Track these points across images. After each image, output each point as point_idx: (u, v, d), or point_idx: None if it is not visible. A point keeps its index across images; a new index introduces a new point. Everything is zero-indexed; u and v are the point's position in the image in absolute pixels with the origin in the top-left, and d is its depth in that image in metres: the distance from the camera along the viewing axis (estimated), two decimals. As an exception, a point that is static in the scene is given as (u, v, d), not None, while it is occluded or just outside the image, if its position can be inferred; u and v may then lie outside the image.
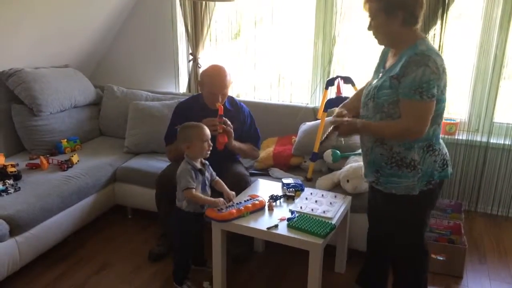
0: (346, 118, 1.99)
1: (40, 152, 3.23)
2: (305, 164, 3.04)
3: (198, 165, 2.31)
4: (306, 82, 3.67)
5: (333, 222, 2.20)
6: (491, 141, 3.24)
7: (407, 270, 2.13)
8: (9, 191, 2.63)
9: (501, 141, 3.24)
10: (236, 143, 2.65)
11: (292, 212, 2.30)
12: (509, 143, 3.21)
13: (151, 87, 3.99)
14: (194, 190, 2.24)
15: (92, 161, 3.15)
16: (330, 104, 2.82)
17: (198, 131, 2.29)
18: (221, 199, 2.30)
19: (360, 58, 3.47)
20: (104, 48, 4.14)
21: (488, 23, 3.09)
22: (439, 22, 3.02)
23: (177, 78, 3.99)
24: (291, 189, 2.52)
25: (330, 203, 2.41)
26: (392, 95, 1.83)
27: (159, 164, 3.09)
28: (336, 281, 2.57)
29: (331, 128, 2.02)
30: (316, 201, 2.43)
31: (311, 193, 2.54)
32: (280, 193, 2.51)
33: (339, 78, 3.02)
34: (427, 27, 3.00)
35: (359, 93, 2.12)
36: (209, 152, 2.33)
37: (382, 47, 2.04)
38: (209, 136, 2.33)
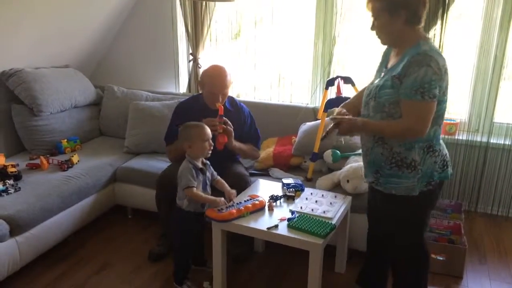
0: (347, 116, 1.99)
1: (40, 152, 3.23)
2: (305, 164, 3.05)
3: (199, 164, 2.31)
4: (306, 82, 3.67)
5: (333, 222, 2.20)
6: (491, 141, 3.24)
7: (407, 271, 2.13)
8: (9, 191, 2.63)
9: (501, 141, 3.24)
10: (236, 143, 2.65)
11: (292, 212, 2.30)
12: (509, 143, 3.21)
13: (151, 87, 3.99)
14: (195, 188, 2.24)
15: (92, 161, 3.15)
16: (330, 104, 2.82)
17: (199, 131, 2.30)
18: (222, 198, 2.31)
19: (360, 58, 3.47)
20: (104, 48, 4.14)
21: (488, 23, 3.09)
22: (439, 22, 3.02)
23: (177, 78, 3.99)
24: (291, 189, 2.52)
25: (330, 203, 2.41)
26: (394, 94, 1.82)
27: (159, 164, 3.09)
28: (336, 281, 2.58)
29: (332, 125, 2.02)
30: (316, 201, 2.43)
31: (311, 193, 2.54)
32: (280, 193, 2.51)
33: (339, 78, 3.02)
34: (427, 27, 3.00)
35: (360, 94, 2.12)
36: (210, 152, 2.34)
37: (382, 47, 2.04)
38: (210, 135, 2.33)
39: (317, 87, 3.58)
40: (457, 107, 3.39)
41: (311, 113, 3.35)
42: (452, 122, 3.31)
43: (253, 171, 3.01)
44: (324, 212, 2.30)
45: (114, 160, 3.23)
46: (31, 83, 3.21)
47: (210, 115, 2.54)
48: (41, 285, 2.52)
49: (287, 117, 3.38)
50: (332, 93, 3.17)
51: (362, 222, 2.41)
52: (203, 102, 2.74)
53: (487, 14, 3.08)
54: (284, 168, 3.05)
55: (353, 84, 3.06)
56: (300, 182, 2.61)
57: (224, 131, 2.52)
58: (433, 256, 2.55)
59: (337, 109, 3.01)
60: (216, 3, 3.54)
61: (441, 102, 1.83)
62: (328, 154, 2.64)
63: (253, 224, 2.21)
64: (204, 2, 3.59)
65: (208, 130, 2.33)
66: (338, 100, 2.82)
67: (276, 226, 2.17)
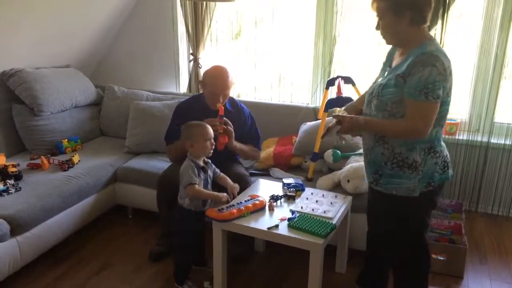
0: (349, 115, 1.98)
1: (41, 152, 3.23)
2: (305, 164, 3.05)
3: (201, 163, 2.32)
4: (307, 82, 3.67)
5: (334, 222, 2.20)
6: (492, 141, 3.24)
7: (408, 271, 2.13)
8: (10, 191, 2.63)
9: (502, 141, 3.23)
10: (236, 144, 2.65)
11: (292, 212, 2.30)
12: (510, 143, 3.21)
13: (151, 87, 3.99)
14: (196, 185, 2.25)
15: (93, 161, 3.15)
16: (330, 104, 2.82)
17: (201, 130, 2.31)
18: (225, 194, 2.31)
19: (360, 58, 3.47)
20: (105, 48, 4.14)
21: (489, 23, 3.09)
22: (439, 22, 3.01)
23: (177, 78, 3.99)
24: (291, 189, 2.52)
25: (331, 203, 2.41)
26: (397, 93, 1.82)
27: (160, 164, 3.09)
28: (337, 281, 2.57)
29: (334, 122, 2.01)
30: (316, 201, 2.43)
31: (311, 193, 2.54)
32: (280, 193, 2.51)
33: (340, 78, 3.02)
34: (428, 27, 3.00)
35: (362, 97, 2.12)
36: (211, 151, 2.34)
37: (383, 47, 2.03)
38: (212, 135, 2.34)
39: (318, 87, 3.58)
40: (458, 107, 3.38)
41: (312, 113, 3.35)
42: (452, 122, 3.31)
43: (253, 171, 3.01)
44: (324, 212, 2.30)
45: (114, 160, 3.23)
46: (32, 83, 3.22)
47: (210, 115, 2.54)
48: (42, 285, 2.53)
49: (288, 117, 3.38)
50: (332, 93, 3.17)
51: (362, 222, 2.41)
52: (203, 102, 2.74)
53: (487, 13, 3.08)
54: (285, 168, 3.05)
55: (353, 84, 3.06)
56: (300, 182, 2.61)
57: (224, 131, 2.52)
58: (433, 256, 2.55)
59: (338, 109, 3.01)
60: (217, 3, 3.54)
61: (444, 103, 1.82)
62: (328, 154, 2.64)
63: (253, 224, 2.21)
64: (204, 2, 3.59)
65: (210, 130, 2.34)
66: (339, 100, 2.82)
67: (276, 226, 2.17)
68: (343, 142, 2.11)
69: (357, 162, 2.70)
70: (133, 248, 2.91)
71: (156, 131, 3.27)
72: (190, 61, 3.88)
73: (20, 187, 2.70)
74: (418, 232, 2.03)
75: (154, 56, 4.01)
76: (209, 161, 2.39)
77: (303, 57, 3.63)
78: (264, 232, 2.17)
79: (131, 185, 3.14)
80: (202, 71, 3.79)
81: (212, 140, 2.34)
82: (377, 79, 2.02)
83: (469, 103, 3.31)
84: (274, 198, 2.41)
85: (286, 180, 2.62)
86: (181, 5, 3.72)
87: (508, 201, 3.33)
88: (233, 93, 2.80)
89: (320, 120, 2.94)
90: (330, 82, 3.10)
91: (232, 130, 2.57)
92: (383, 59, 2.08)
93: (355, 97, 2.90)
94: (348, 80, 3.04)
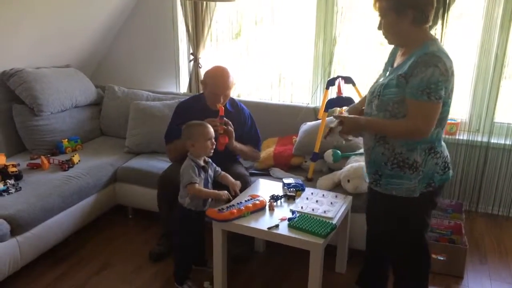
0: (351, 115, 1.98)
1: (41, 152, 3.23)
2: (305, 164, 3.04)
3: (201, 162, 2.32)
4: (307, 82, 3.67)
5: (334, 222, 2.20)
6: (492, 141, 3.24)
7: (408, 271, 2.13)
8: (10, 191, 2.63)
9: (502, 141, 3.23)
10: (237, 144, 2.65)
11: (292, 212, 2.30)
12: (510, 143, 3.21)
13: (152, 87, 3.99)
14: (197, 185, 2.25)
15: (93, 161, 3.15)
16: (330, 104, 2.82)
17: (202, 129, 2.31)
18: (225, 191, 2.31)
19: (361, 58, 3.47)
20: (105, 48, 4.14)
21: (489, 23, 3.09)
22: (440, 22, 3.01)
23: (178, 78, 3.99)
24: (291, 189, 2.52)
25: (331, 203, 2.41)
26: (398, 93, 1.82)
27: (160, 164, 3.09)
28: (337, 281, 2.57)
29: (336, 122, 2.00)
30: (316, 201, 2.43)
31: (311, 193, 2.54)
32: (280, 193, 2.51)
33: (340, 78, 3.02)
34: (429, 27, 3.00)
35: (364, 99, 2.12)
36: (212, 151, 2.34)
37: (383, 47, 2.03)
38: (213, 134, 2.35)
39: (318, 87, 3.58)
40: (458, 107, 3.38)
41: (312, 113, 3.35)
42: (452, 122, 3.30)
43: (253, 171, 3.01)
44: (324, 212, 2.30)
45: (114, 160, 3.23)
46: (32, 83, 3.22)
47: (210, 115, 2.54)
48: (42, 285, 2.53)
49: (288, 117, 3.38)
50: (332, 93, 3.17)
51: (362, 222, 2.40)
52: (204, 102, 2.74)
53: (487, 13, 3.08)
54: (285, 168, 3.05)
55: (353, 84, 3.06)
56: (300, 182, 2.61)
57: (225, 131, 2.52)
58: (433, 256, 2.55)
59: (338, 109, 3.01)
60: (217, 3, 3.54)
61: (445, 104, 1.82)
62: (328, 154, 2.64)
63: (253, 224, 2.21)
64: (204, 2, 3.59)
65: (211, 129, 2.35)
66: (339, 100, 2.82)
67: (276, 226, 2.17)
68: (350, 141, 2.11)
69: (357, 162, 2.70)
70: (133, 248, 2.91)
71: (156, 131, 3.27)
72: (190, 61, 3.88)
73: (20, 187, 2.70)
74: (418, 232, 2.03)
75: (154, 56, 4.01)
76: (210, 160, 2.39)
77: (303, 57, 3.63)
78: (264, 232, 2.17)
79: (131, 185, 3.14)
80: (202, 71, 3.79)
81: (213, 140, 2.34)
82: (378, 79, 2.02)
83: (469, 103, 3.31)
84: (274, 198, 2.41)
85: (286, 180, 2.62)
86: (181, 5, 3.72)
87: (508, 201, 3.33)
88: (233, 93, 2.80)
89: (320, 120, 2.94)
90: (330, 82, 3.10)
91: (233, 130, 2.57)
92: (384, 59, 2.08)
93: (355, 97, 2.91)
94: (348, 80, 3.04)
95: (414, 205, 1.92)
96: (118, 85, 3.78)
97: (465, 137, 3.28)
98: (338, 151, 2.64)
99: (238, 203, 2.31)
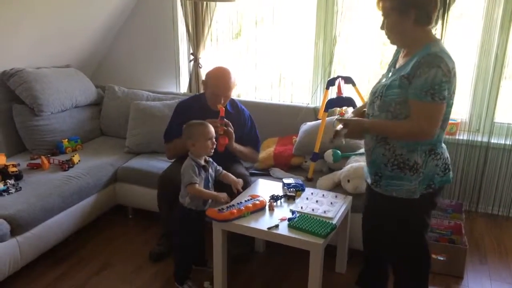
0: (354, 118, 1.98)
1: (41, 152, 3.23)
2: (305, 164, 3.04)
3: (202, 162, 2.32)
4: (307, 82, 3.67)
5: (334, 222, 2.20)
6: (492, 141, 3.24)
7: (408, 271, 2.13)
8: (10, 191, 2.63)
9: (502, 141, 3.23)
10: (236, 145, 2.66)
11: (292, 212, 2.30)
12: (510, 143, 3.21)
13: (152, 87, 3.99)
14: (197, 185, 2.25)
15: (93, 161, 3.15)
16: (331, 104, 2.82)
17: (202, 129, 2.31)
18: (224, 193, 2.31)
19: (361, 58, 3.47)
20: (105, 48, 4.14)
21: (489, 23, 3.09)
22: (440, 22, 3.01)
23: (178, 78, 3.99)
24: (291, 189, 2.52)
25: (331, 203, 2.41)
26: (401, 94, 1.81)
27: (160, 164, 3.09)
28: (337, 281, 2.57)
29: (341, 125, 2.00)
30: (316, 201, 2.43)
31: (311, 193, 2.54)
32: (280, 193, 2.51)
33: (340, 78, 3.02)
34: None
35: (365, 105, 2.12)
36: (212, 150, 2.34)
37: (382, 47, 2.03)
38: (214, 134, 2.35)
39: (318, 87, 3.58)
40: (458, 107, 3.38)
41: (312, 113, 3.35)
42: (452, 122, 3.30)
43: (253, 171, 3.01)
44: (324, 212, 2.30)
45: (115, 160, 3.23)
46: (32, 83, 3.22)
47: (210, 115, 2.54)
48: (42, 285, 2.53)
49: (288, 117, 3.38)
50: (333, 93, 3.17)
51: (362, 222, 2.41)
52: (204, 102, 2.74)
53: (487, 13, 3.08)
54: (285, 168, 3.05)
55: (353, 84, 3.06)
56: (300, 182, 2.61)
57: (225, 132, 2.52)
58: (433, 256, 2.54)
59: (338, 109, 3.01)
60: (217, 3, 3.54)
61: (447, 105, 1.81)
62: (328, 154, 2.64)
63: (253, 224, 2.21)
64: (205, 2, 3.59)
65: (212, 129, 2.35)
66: (339, 100, 2.82)
67: (276, 226, 2.17)
68: (343, 141, 2.10)
69: (357, 162, 2.70)
70: (133, 248, 2.91)
71: (156, 131, 3.26)
72: (190, 61, 3.88)
73: (21, 187, 2.70)
74: (418, 232, 2.02)
75: (154, 56, 4.01)
76: (211, 159, 2.39)
77: (304, 57, 3.63)
78: (264, 232, 2.17)
79: (131, 185, 3.14)
80: (202, 71, 3.80)
81: (214, 140, 2.34)
82: (381, 79, 2.02)
83: (470, 103, 3.31)
84: (274, 198, 2.41)
85: (286, 180, 2.62)
86: (182, 5, 3.72)
87: (508, 201, 3.33)
88: (234, 93, 2.81)
89: (320, 120, 2.94)
90: (331, 82, 3.10)
91: (233, 131, 2.57)
92: (385, 59, 2.08)
93: (355, 97, 2.91)
94: (348, 80, 3.04)
95: (414, 206, 1.92)
96: (118, 85, 3.79)
97: (465, 137, 3.28)
98: (338, 151, 2.63)
99: (238, 203, 2.31)
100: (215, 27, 3.81)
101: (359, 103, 2.87)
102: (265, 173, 3.00)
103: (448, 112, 1.85)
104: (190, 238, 2.42)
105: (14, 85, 3.21)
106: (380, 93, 1.89)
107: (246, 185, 2.63)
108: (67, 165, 3.01)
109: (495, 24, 3.07)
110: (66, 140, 3.35)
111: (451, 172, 1.96)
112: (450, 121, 3.24)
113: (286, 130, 3.33)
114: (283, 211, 2.33)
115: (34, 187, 2.71)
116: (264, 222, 2.21)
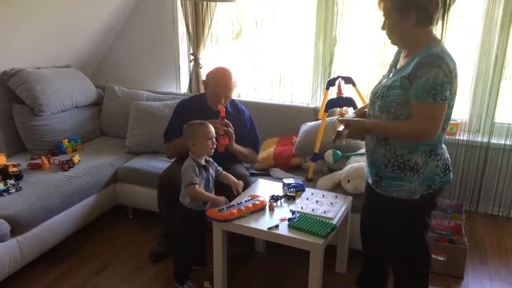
0: (356, 118, 1.98)
1: (41, 152, 3.23)
2: (306, 164, 3.05)
3: (202, 162, 2.32)
4: (307, 83, 3.67)
5: (334, 222, 2.20)
6: (492, 141, 3.24)
7: (408, 271, 2.12)
8: (10, 191, 2.63)
9: (502, 142, 3.23)
10: (236, 146, 2.66)
11: (293, 212, 2.30)
12: (510, 143, 3.21)
13: (152, 87, 3.99)
14: (197, 185, 2.25)
15: (93, 161, 3.15)
16: (331, 104, 2.82)
17: (203, 129, 2.31)
18: (223, 197, 2.31)
19: (361, 58, 3.47)
20: (106, 48, 4.14)
21: (489, 24, 3.09)
22: (440, 22, 3.00)
23: (178, 78, 3.99)
24: (292, 189, 2.52)
25: (331, 203, 2.41)
26: (402, 95, 1.81)
27: (160, 164, 3.09)
28: (337, 281, 2.58)
29: (343, 126, 1.99)
30: (317, 201, 2.43)
31: (312, 193, 2.54)
32: (281, 193, 2.51)
33: (340, 78, 3.02)
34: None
35: (366, 105, 2.11)
36: (213, 150, 2.35)
37: (382, 47, 2.03)
38: (214, 134, 2.35)
39: (318, 87, 3.58)
40: (458, 107, 3.37)
41: (312, 113, 3.35)
42: (453, 122, 3.30)
43: (253, 171, 3.01)
44: (324, 212, 2.30)
45: (115, 160, 3.24)
46: (32, 83, 3.22)
47: (210, 115, 2.54)
48: (42, 285, 2.53)
49: (288, 117, 3.38)
50: (333, 93, 3.17)
51: (362, 222, 2.41)
52: (204, 102, 2.75)
53: (488, 14, 3.08)
54: (285, 168, 3.05)
55: (354, 84, 3.06)
56: (300, 182, 2.61)
57: (225, 133, 2.52)
58: (433, 256, 2.55)
59: (338, 109, 3.01)
60: (217, 3, 3.54)
61: (448, 106, 1.80)
62: (329, 154, 2.64)
63: (253, 224, 2.21)
64: (205, 2, 3.59)
65: (212, 129, 2.35)
66: (339, 100, 2.82)
67: (276, 226, 2.17)
68: (343, 142, 2.10)
69: (357, 162, 2.70)
70: (133, 248, 2.91)
71: (156, 131, 3.26)
72: (190, 61, 3.88)
73: (21, 187, 2.70)
74: (419, 233, 2.02)
75: (154, 56, 4.01)
76: (211, 159, 2.39)
77: (304, 57, 3.63)
78: (264, 232, 2.17)
79: (132, 185, 3.14)
80: (202, 71, 3.80)
81: (214, 140, 2.34)
82: (381, 80, 2.02)
83: (470, 104, 3.31)
84: (274, 198, 2.41)
85: (286, 180, 2.62)
86: (182, 5, 3.72)
87: (508, 202, 3.33)
88: (234, 93, 2.81)
89: (320, 121, 2.94)
90: (331, 82, 3.10)
91: (233, 132, 2.58)
92: (385, 59, 2.08)
93: (355, 97, 2.91)
94: (348, 80, 3.04)
95: (415, 206, 1.92)
96: (118, 85, 3.79)
97: (465, 138, 3.28)
98: (338, 152, 2.63)
99: (238, 203, 2.31)
100: (215, 27, 3.81)
101: (359, 104, 2.87)
102: (265, 173, 3.00)
103: (449, 113, 1.85)
104: (190, 238, 2.42)
105: (14, 85, 3.21)
106: (381, 94, 1.89)
107: (246, 185, 2.63)
108: (67, 165, 3.01)
109: (495, 24, 3.07)
110: (66, 140, 3.35)
111: (451, 173, 1.96)
112: (450, 122, 3.26)
113: (286, 130, 3.33)
114: (283, 211, 2.33)
115: (34, 187, 2.71)
116: (264, 222, 2.21)
